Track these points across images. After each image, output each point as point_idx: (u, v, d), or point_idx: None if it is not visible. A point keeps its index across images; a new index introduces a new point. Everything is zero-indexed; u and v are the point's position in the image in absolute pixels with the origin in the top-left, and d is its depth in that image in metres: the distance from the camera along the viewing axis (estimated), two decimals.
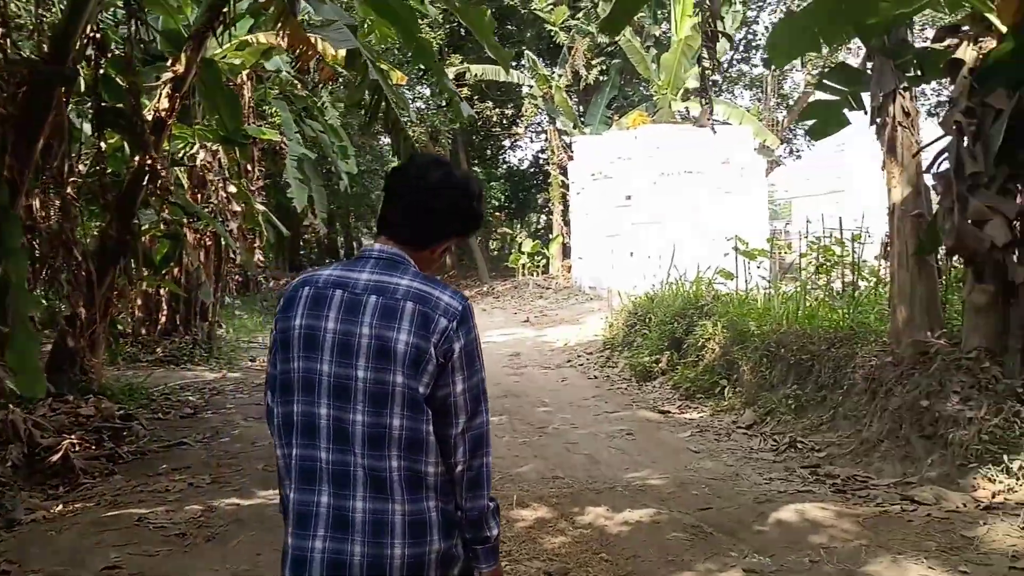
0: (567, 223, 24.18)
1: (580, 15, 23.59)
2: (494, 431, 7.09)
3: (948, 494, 4.76)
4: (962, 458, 5.06)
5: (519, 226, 30.04)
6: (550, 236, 25.05)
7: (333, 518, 1.86)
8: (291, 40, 5.68)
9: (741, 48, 27.09)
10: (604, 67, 23.69)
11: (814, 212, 21.59)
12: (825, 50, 6.74)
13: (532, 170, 33.02)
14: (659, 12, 23.31)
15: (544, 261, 24.13)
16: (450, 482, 1.93)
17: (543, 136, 27.66)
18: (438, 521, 1.91)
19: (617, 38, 21.70)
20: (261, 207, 12.60)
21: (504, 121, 27.30)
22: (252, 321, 15.74)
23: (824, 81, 6.60)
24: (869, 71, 6.33)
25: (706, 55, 7.98)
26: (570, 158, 22.92)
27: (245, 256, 12.66)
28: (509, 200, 34.09)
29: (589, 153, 20.58)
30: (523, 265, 24.20)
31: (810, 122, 6.96)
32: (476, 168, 30.83)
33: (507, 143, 32.89)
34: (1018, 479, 4.75)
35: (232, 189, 11.52)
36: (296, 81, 13.95)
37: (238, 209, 11.71)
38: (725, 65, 24.99)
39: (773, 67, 23.97)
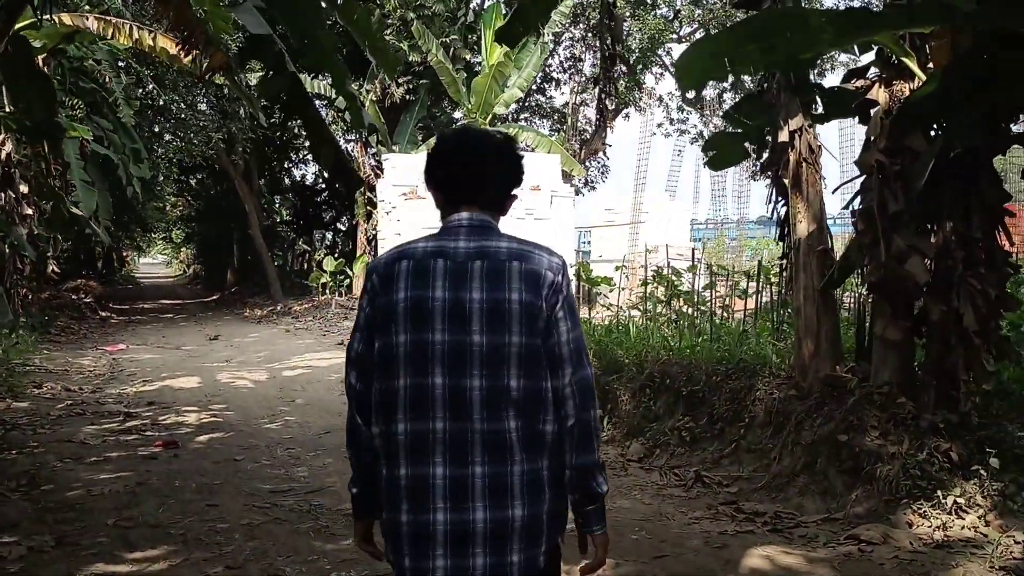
0: (371, 242, 23.44)
1: (389, 32, 23.08)
2: None
3: (894, 532, 4.76)
4: (888, 494, 5.10)
5: (318, 243, 28.82)
6: (356, 254, 24.12)
7: (451, 488, 1.88)
8: (176, 20, 4.80)
9: (538, 79, 27.65)
10: (412, 85, 23.29)
11: (615, 243, 22.55)
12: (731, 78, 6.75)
13: (321, 186, 31.92)
14: (469, 36, 23.29)
15: (347, 281, 23.17)
16: (560, 441, 1.97)
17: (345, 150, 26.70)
18: (550, 480, 1.95)
19: (429, 59, 21.47)
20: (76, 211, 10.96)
21: (302, 133, 26.10)
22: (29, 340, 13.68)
23: (732, 113, 6.61)
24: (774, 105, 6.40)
25: (602, 77, 7.80)
26: (378, 176, 22.24)
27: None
28: (298, 216, 32.75)
29: (401, 171, 20.03)
30: (323, 284, 23.10)
31: (710, 152, 6.94)
32: (261, 182, 29.29)
33: (297, 156, 31.61)
34: (951, 514, 4.85)
35: (24, 188, 9.90)
36: (99, 71, 12.36)
37: (30, 212, 10.09)
38: (523, 95, 25.36)
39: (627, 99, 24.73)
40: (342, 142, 26.13)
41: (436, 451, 1.90)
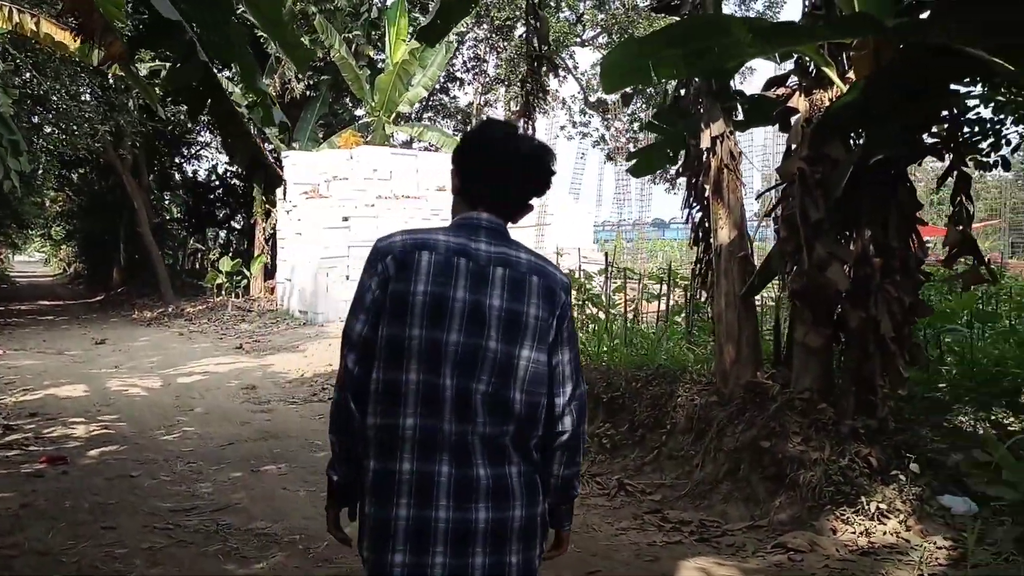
0: (268, 241, 22.71)
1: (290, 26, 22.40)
2: (283, 484, 6.09)
3: (820, 539, 4.77)
4: (811, 500, 5.13)
5: (212, 242, 27.76)
6: (253, 254, 23.27)
7: (455, 487, 1.88)
8: (71, 4, 4.41)
9: (442, 79, 27.40)
10: (313, 82, 22.68)
11: (526, 243, 22.43)
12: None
13: (215, 182, 30.80)
14: (373, 33, 22.85)
15: (244, 282, 22.35)
16: (543, 451, 2.04)
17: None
18: (539, 484, 2.01)
19: (332, 55, 20.94)
20: None
21: (195, 127, 25.10)
22: None
23: (653, 121, 6.57)
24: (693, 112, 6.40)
25: (529, 78, 7.66)
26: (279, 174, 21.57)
27: None
28: (190, 214, 31.52)
29: (302, 170, 19.46)
30: (219, 285, 22.23)
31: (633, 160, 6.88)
32: (151, 177, 28.05)
33: (189, 151, 30.42)
34: (873, 520, 4.90)
35: None
36: None
37: None
38: (427, 94, 25.08)
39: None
40: None
41: (443, 448, 1.89)
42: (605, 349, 7.74)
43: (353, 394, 1.99)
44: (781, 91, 5.97)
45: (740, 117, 6.42)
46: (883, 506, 4.92)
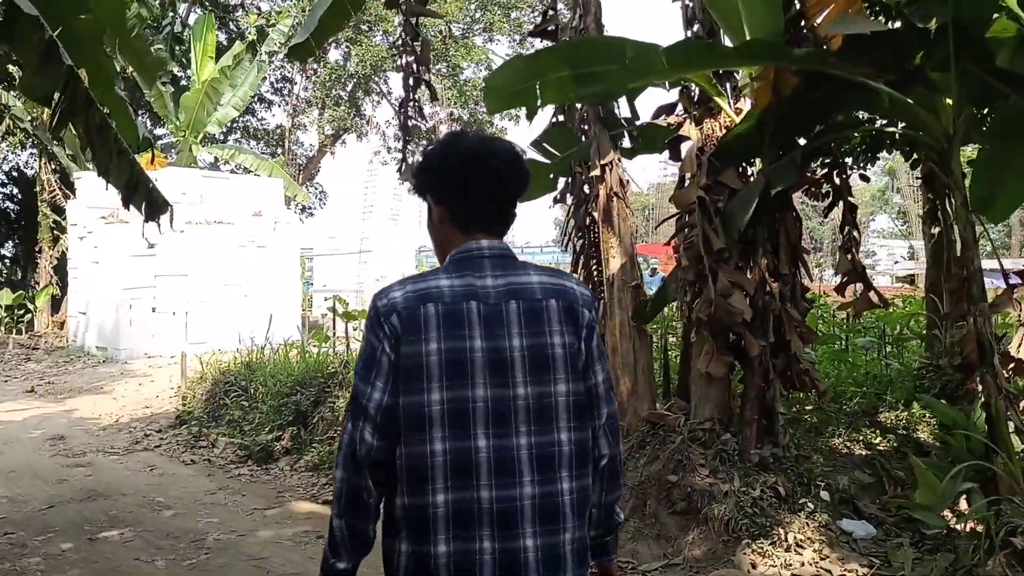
0: (56, 271, 20.56)
1: None
2: (132, 555, 5.31)
3: (749, 575, 4.66)
4: (725, 534, 5.03)
5: None
6: (36, 286, 20.93)
7: (501, 564, 1.70)
8: None
9: (255, 99, 26.17)
10: None
11: (340, 271, 21.69)
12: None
13: None
14: (177, 48, 21.42)
15: (28, 316, 20.04)
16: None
17: (19, 167, 23.33)
18: (591, 547, 1.86)
19: (130, 69, 19.35)
20: None
21: None
22: None
23: (543, 143, 6.34)
24: (583, 138, 6.25)
25: (410, 104, 7.21)
26: (67, 196, 19.60)
27: None
28: None
29: (99, 193, 17.68)
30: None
31: None
32: None
33: None
34: (790, 551, 4.86)
35: None
36: None
37: None
38: (238, 114, 23.83)
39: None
40: (20, 156, 22.85)
41: (483, 523, 1.70)
42: None
43: (371, 468, 1.77)
44: (671, 119, 5.93)
45: (627, 144, 6.34)
46: (799, 536, 4.90)
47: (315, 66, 25.18)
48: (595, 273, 7.06)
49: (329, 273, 22.10)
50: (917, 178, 8.67)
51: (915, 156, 7.86)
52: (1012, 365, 4.69)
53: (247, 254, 17.75)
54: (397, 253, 21.29)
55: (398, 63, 25.49)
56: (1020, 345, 4.64)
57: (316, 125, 26.09)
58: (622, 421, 5.87)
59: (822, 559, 4.82)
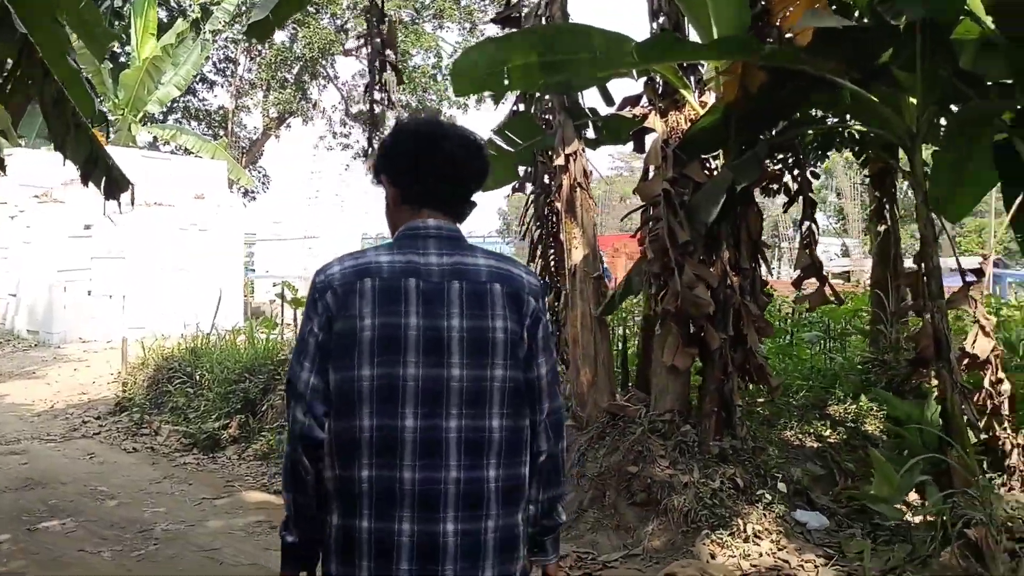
0: None
1: None
2: (77, 545, 5.15)
3: (710, 566, 4.70)
4: (685, 525, 5.06)
5: None
6: None
7: (419, 547, 1.67)
8: None
9: (197, 79, 25.54)
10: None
11: (284, 257, 21.31)
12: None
13: None
14: (116, 23, 20.76)
15: None
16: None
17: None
18: (524, 535, 1.81)
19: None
20: None
21: None
22: None
23: (505, 131, 6.28)
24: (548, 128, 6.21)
25: (376, 88, 7.07)
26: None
27: None
28: None
29: (32, 171, 17.08)
30: None
31: None
32: None
33: None
34: (748, 542, 4.91)
35: None
36: None
37: None
38: (180, 94, 23.23)
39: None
40: None
41: (404, 503, 1.67)
42: None
43: (304, 447, 1.75)
44: (637, 111, 5.92)
45: (591, 135, 6.32)
46: (758, 527, 4.95)
47: (260, 47, 24.66)
48: (552, 263, 7.05)
49: (272, 259, 21.70)
50: (866, 176, 8.83)
51: (866, 154, 8.03)
52: (966, 361, 4.79)
53: (188, 237, 17.32)
54: (343, 239, 20.96)
55: (345, 47, 25.19)
56: (974, 341, 4.75)
57: (260, 107, 25.59)
58: (582, 412, 5.88)
59: (779, 549, 4.89)
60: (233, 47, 26.91)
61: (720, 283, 5.42)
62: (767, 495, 5.18)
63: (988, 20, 4.51)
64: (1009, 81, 4.77)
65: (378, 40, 6.93)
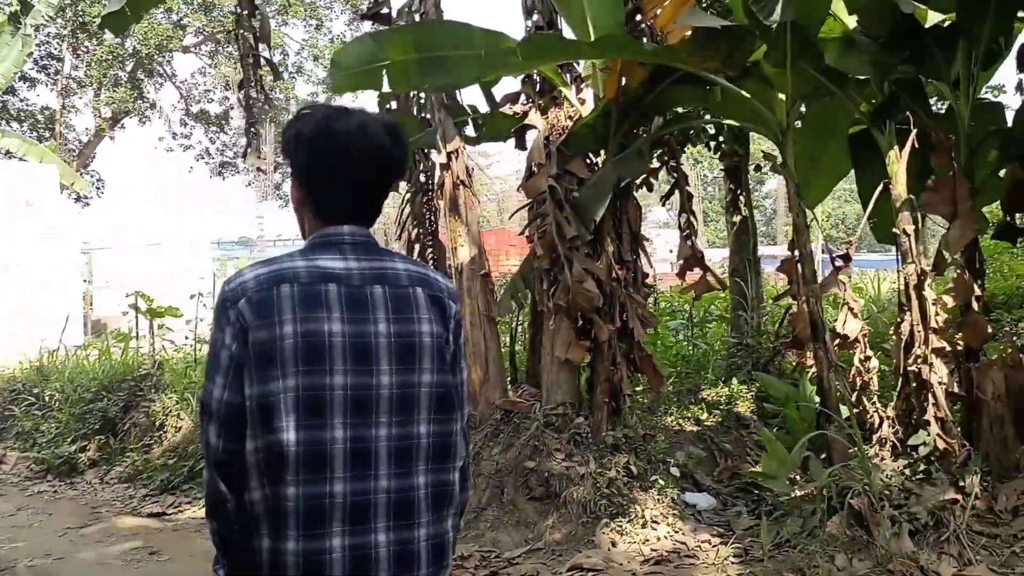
0: None
1: None
2: None
3: (613, 555, 4.78)
4: (584, 516, 5.14)
5: None
6: None
7: (351, 560, 1.61)
8: None
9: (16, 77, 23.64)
10: None
11: (125, 266, 20.05)
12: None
13: None
14: None
15: None
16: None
17: None
18: (453, 541, 1.80)
19: None
20: None
21: None
22: None
23: None
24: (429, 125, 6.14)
25: (251, 84, 6.72)
26: None
27: None
28: None
29: None
30: None
31: None
32: None
33: None
34: (646, 528, 5.03)
35: None
36: None
37: None
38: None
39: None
40: None
41: (334, 518, 1.60)
42: None
43: (221, 472, 1.65)
44: (517, 108, 5.95)
45: (471, 132, 6.29)
46: (654, 512, 5.09)
47: (87, 44, 23.12)
48: (432, 263, 6.98)
49: (112, 269, 20.41)
50: (721, 169, 9.25)
51: (721, 149, 8.43)
52: (837, 341, 5.10)
53: (20, 249, 16.04)
54: (190, 246, 20.03)
55: (182, 44, 24.04)
56: (844, 322, 5.06)
57: (91, 107, 23.97)
58: (474, 411, 5.85)
59: (676, 532, 5.04)
60: (57, 43, 25.12)
61: (606, 276, 5.53)
62: (660, 480, 5.33)
63: (851, 20, 4.82)
64: (862, 77, 5.11)
65: (250, 35, 6.61)
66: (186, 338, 9.22)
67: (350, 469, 1.61)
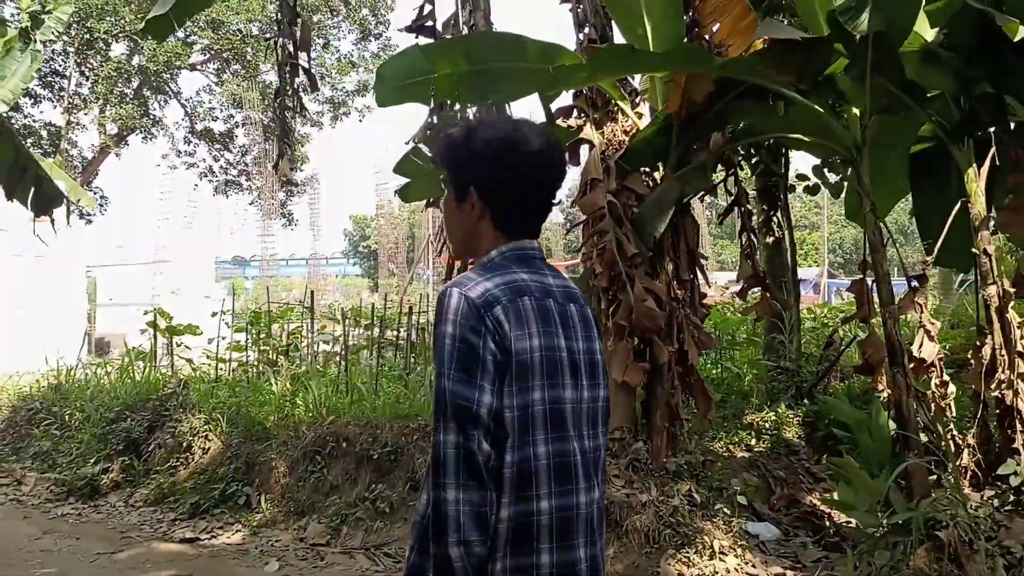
0: None
1: None
2: None
3: None
4: (647, 545, 4.91)
5: None
6: None
7: (590, 571, 1.67)
8: None
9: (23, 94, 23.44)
10: None
11: (129, 284, 19.82)
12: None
13: None
14: None
15: None
16: None
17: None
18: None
19: None
20: None
21: None
22: None
23: (421, 145, 5.96)
24: None
25: (287, 93, 6.54)
26: None
27: None
28: None
29: None
30: None
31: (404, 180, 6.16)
32: None
33: None
34: (713, 559, 4.81)
35: None
36: None
37: None
38: (7, 109, 21.25)
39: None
40: None
41: (580, 530, 1.65)
42: (351, 400, 6.87)
43: (493, 482, 1.59)
44: (571, 122, 5.77)
45: None
46: (722, 543, 4.87)
47: (92, 61, 22.95)
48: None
49: (116, 286, 20.18)
50: (754, 189, 9.08)
51: (759, 167, 8.25)
52: (912, 365, 4.91)
53: (24, 265, 15.81)
54: (195, 264, 19.81)
55: (189, 61, 23.90)
56: (920, 345, 4.87)
57: (97, 124, 23.77)
58: None
59: (746, 564, 4.81)
60: (62, 59, 24.97)
61: (666, 296, 5.34)
62: (725, 509, 5.11)
63: (930, 33, 4.67)
64: (938, 92, 4.95)
65: (290, 43, 6.43)
66: (208, 357, 8.99)
67: (583, 481, 1.67)
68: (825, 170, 8.17)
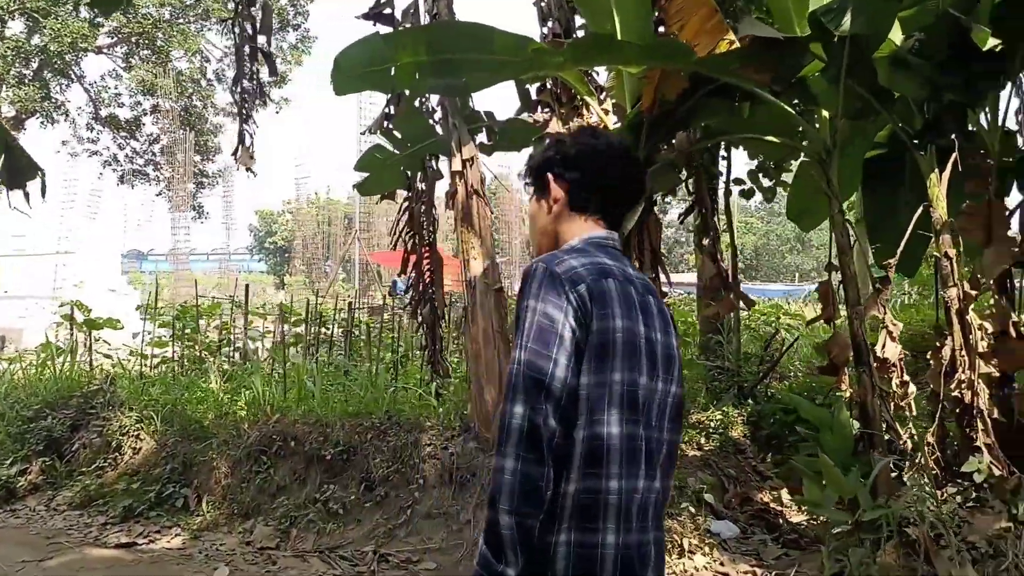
0: None
1: None
2: None
3: None
4: None
5: None
6: None
7: (640, 558, 1.66)
8: None
9: None
10: None
11: (28, 275, 18.71)
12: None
13: None
14: None
15: None
16: None
17: None
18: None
19: None
20: None
21: None
22: None
23: (391, 129, 5.76)
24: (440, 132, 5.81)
25: (246, 76, 6.20)
26: None
27: None
28: None
29: None
30: None
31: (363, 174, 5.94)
32: None
33: None
34: (684, 557, 4.79)
35: None
36: None
37: None
38: None
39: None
40: None
41: (639, 515, 1.67)
42: (296, 398, 6.60)
43: (552, 456, 1.59)
44: (536, 117, 5.67)
45: (484, 140, 5.98)
46: (690, 540, 4.86)
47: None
48: (426, 275, 6.63)
49: (13, 277, 19.04)
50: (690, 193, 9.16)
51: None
52: (876, 365, 4.99)
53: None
54: (100, 255, 18.87)
55: (96, 44, 22.79)
56: (883, 346, 4.96)
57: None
58: (487, 433, 5.52)
59: (715, 563, 4.82)
60: None
61: None
62: (690, 507, 5.11)
63: (900, 39, 4.76)
64: (899, 97, 5.06)
65: (248, 25, 6.13)
66: (131, 353, 8.52)
67: (646, 469, 1.67)
68: (760, 174, 8.34)
